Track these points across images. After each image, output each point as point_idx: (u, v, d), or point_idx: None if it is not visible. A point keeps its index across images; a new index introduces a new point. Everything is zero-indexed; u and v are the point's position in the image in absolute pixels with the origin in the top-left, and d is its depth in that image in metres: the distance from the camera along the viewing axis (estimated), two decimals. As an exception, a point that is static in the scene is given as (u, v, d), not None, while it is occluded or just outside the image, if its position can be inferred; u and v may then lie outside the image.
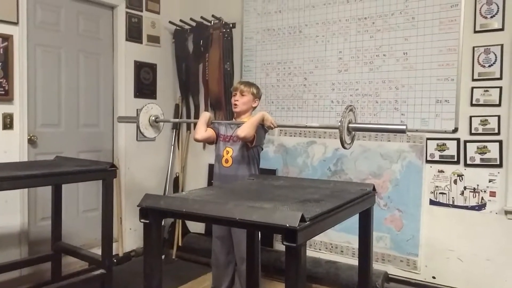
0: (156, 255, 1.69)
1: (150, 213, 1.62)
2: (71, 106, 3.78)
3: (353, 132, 2.53)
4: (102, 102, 4.03)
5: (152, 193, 1.71)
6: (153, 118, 3.29)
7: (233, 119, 3.16)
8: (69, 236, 3.53)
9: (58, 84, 3.68)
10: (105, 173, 2.82)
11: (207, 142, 3.22)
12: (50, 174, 2.58)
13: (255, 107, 3.10)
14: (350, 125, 2.44)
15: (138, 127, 3.23)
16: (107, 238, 2.90)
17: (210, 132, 3.06)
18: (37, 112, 3.52)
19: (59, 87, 3.68)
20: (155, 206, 1.60)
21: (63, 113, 3.72)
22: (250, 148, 2.96)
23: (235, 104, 3.04)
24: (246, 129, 2.80)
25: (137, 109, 3.30)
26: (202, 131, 2.99)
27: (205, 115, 3.07)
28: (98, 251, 3.02)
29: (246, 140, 2.86)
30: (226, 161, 2.98)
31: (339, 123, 2.38)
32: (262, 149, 3.14)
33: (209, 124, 3.06)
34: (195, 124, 3.13)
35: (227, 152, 2.99)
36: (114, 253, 3.57)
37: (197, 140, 3.07)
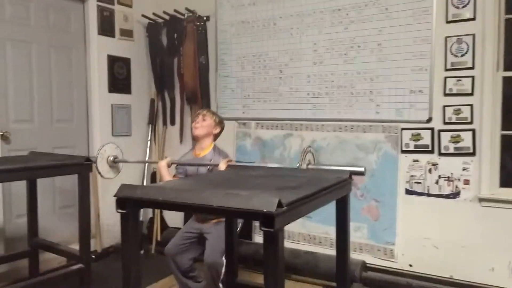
0: (134, 246, 1.67)
1: (127, 203, 1.59)
2: (44, 102, 3.70)
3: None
4: (76, 97, 3.95)
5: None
6: (111, 158, 3.13)
7: (193, 145, 3.10)
8: (46, 233, 3.47)
9: (30, 79, 3.60)
10: (80, 167, 2.78)
11: None
12: (24, 168, 2.53)
13: (216, 134, 3.06)
14: (309, 166, 2.55)
15: (98, 171, 3.04)
16: (85, 233, 2.87)
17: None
18: (8, 108, 3.44)
19: (30, 82, 3.60)
20: (132, 195, 1.58)
21: (35, 108, 3.64)
22: None
23: (195, 127, 3.00)
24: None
25: (97, 152, 3.10)
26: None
27: (162, 165, 2.93)
28: (76, 247, 2.98)
29: None
30: None
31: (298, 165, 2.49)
32: None
33: (170, 165, 2.96)
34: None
35: None
36: (92, 250, 3.52)
37: None
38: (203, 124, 3.00)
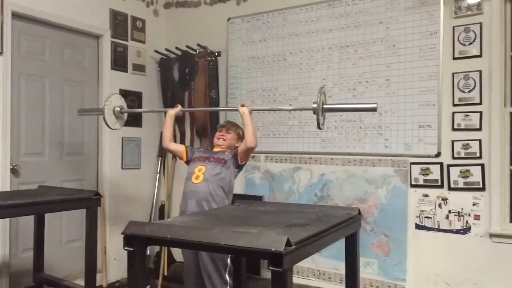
0: (140, 284, 1.66)
1: (135, 240, 1.59)
2: (55, 135, 3.75)
3: (325, 113, 2.67)
4: (87, 130, 4.01)
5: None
6: (118, 109, 3.26)
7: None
8: (51, 267, 3.44)
9: (43, 113, 3.66)
10: (89, 202, 2.79)
11: (173, 154, 3.50)
12: (33, 203, 2.54)
13: (236, 147, 3.14)
14: (324, 106, 2.60)
15: (107, 124, 3.25)
16: (91, 269, 2.84)
17: (179, 148, 3.21)
18: (20, 141, 3.49)
19: (43, 116, 3.66)
20: (140, 233, 1.58)
21: (47, 142, 3.69)
22: (236, 167, 3.00)
23: (223, 139, 3.09)
24: (253, 137, 2.88)
25: (103, 103, 3.31)
26: (167, 138, 3.16)
27: (170, 114, 3.17)
28: (81, 282, 2.95)
29: (255, 148, 2.93)
30: (197, 177, 2.98)
31: (315, 105, 2.57)
32: (239, 171, 3.13)
33: (180, 114, 3.26)
34: (167, 101, 3.24)
35: (200, 170, 2.99)
36: (98, 284, 3.48)
37: (164, 147, 3.32)
38: (227, 136, 3.12)
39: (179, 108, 3.23)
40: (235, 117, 4.04)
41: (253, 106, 3.37)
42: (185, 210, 2.94)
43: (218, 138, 3.13)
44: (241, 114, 2.95)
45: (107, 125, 3.24)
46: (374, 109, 2.65)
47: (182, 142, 4.35)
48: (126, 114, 3.37)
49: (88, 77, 4.01)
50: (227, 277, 2.79)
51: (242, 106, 2.98)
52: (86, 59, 4.00)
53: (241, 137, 3.16)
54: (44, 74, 3.67)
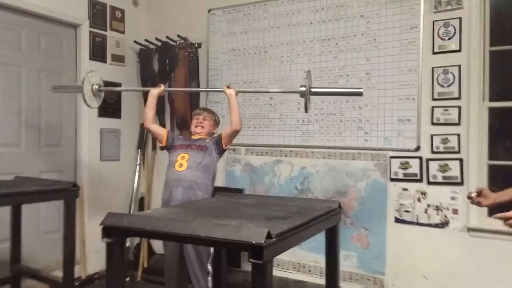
0: (119, 276, 1.64)
1: (113, 232, 1.57)
2: (32, 126, 3.67)
3: (310, 96, 2.69)
4: (65, 121, 3.93)
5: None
6: (96, 87, 3.19)
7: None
8: (29, 258, 3.39)
9: (18, 103, 3.57)
10: (67, 193, 2.74)
11: (153, 135, 3.42)
12: (8, 194, 2.49)
13: (213, 133, 3.13)
14: (311, 89, 2.61)
15: (84, 98, 3.13)
16: (69, 260, 2.80)
17: (161, 131, 3.13)
18: (-5, 132, 3.40)
19: (19, 106, 3.57)
20: (118, 224, 1.56)
21: (23, 132, 3.60)
22: (218, 153, 3.00)
23: (202, 126, 3.06)
24: (239, 120, 2.89)
25: (84, 76, 3.19)
26: (149, 118, 3.06)
27: (153, 94, 3.08)
28: (59, 274, 2.91)
29: (240, 130, 2.94)
30: (180, 165, 2.94)
31: (303, 88, 2.59)
32: (220, 157, 3.12)
33: (163, 93, 3.15)
34: (147, 93, 3.15)
35: (183, 158, 2.96)
36: (76, 276, 3.45)
37: (145, 127, 3.24)
38: (205, 123, 3.10)
39: (162, 88, 3.13)
40: (217, 106, 4.02)
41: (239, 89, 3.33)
42: (169, 199, 2.90)
43: (196, 126, 3.09)
44: (227, 96, 2.91)
45: (84, 99, 3.12)
46: (360, 94, 2.67)
47: (162, 134, 4.31)
48: (103, 94, 3.29)
49: (65, 68, 3.93)
50: (209, 267, 2.78)
51: (228, 87, 2.94)
52: (64, 49, 3.91)
53: (217, 123, 3.20)
54: (20, 64, 3.57)
